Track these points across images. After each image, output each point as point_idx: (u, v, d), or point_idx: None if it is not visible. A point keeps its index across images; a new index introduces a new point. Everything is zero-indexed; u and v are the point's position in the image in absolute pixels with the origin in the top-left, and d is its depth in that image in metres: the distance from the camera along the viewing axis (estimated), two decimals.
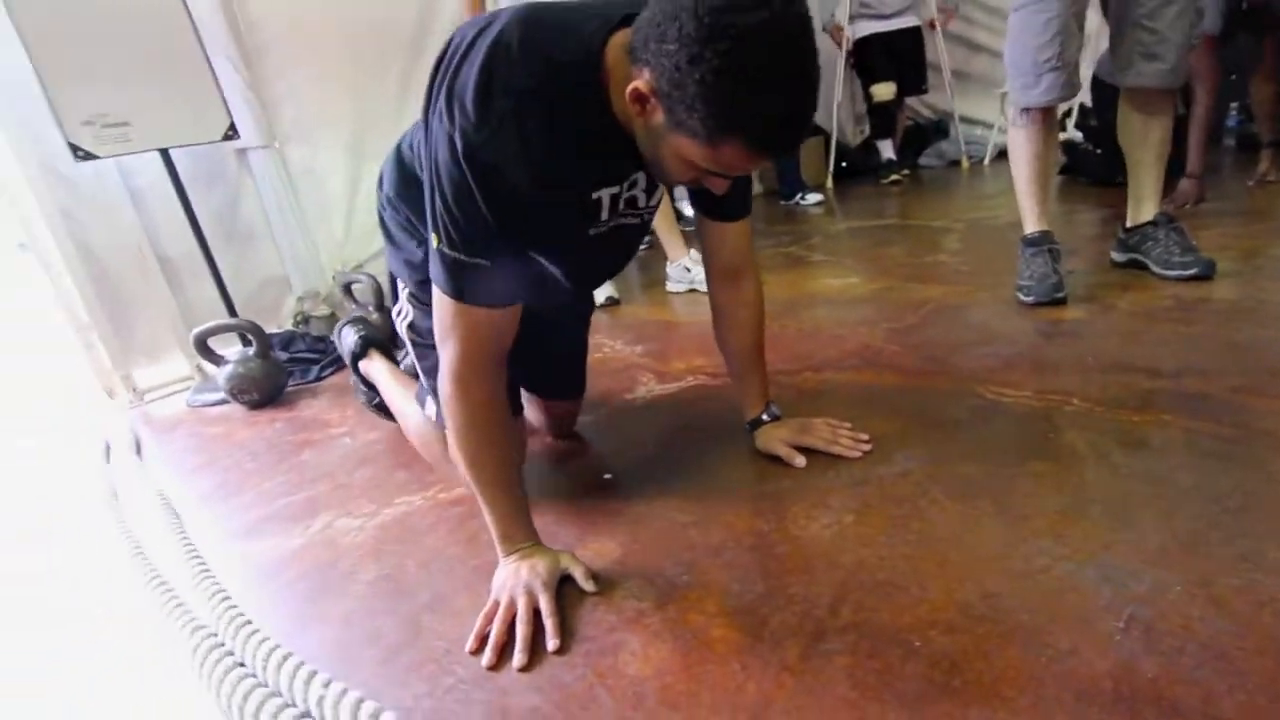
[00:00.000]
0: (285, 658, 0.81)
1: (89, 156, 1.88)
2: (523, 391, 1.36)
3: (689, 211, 3.84)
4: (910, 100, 4.29)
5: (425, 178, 0.83)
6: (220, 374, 1.98)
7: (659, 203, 1.03)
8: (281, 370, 2.04)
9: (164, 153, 2.01)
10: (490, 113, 0.73)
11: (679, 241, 2.36)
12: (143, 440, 1.90)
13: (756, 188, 3.48)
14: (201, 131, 2.06)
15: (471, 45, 0.75)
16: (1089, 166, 3.00)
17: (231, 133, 2.11)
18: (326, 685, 0.75)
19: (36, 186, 2.05)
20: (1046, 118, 1.63)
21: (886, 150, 4.08)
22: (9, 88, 1.96)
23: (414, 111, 2.93)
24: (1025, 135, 1.65)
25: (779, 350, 1.53)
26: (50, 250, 2.18)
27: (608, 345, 1.88)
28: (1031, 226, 1.68)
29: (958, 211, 2.88)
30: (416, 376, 1.29)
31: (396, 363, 1.52)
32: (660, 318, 2.14)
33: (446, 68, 0.77)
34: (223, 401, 2.06)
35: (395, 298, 1.20)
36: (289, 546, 1.15)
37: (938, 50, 4.09)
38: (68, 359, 2.43)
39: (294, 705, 0.74)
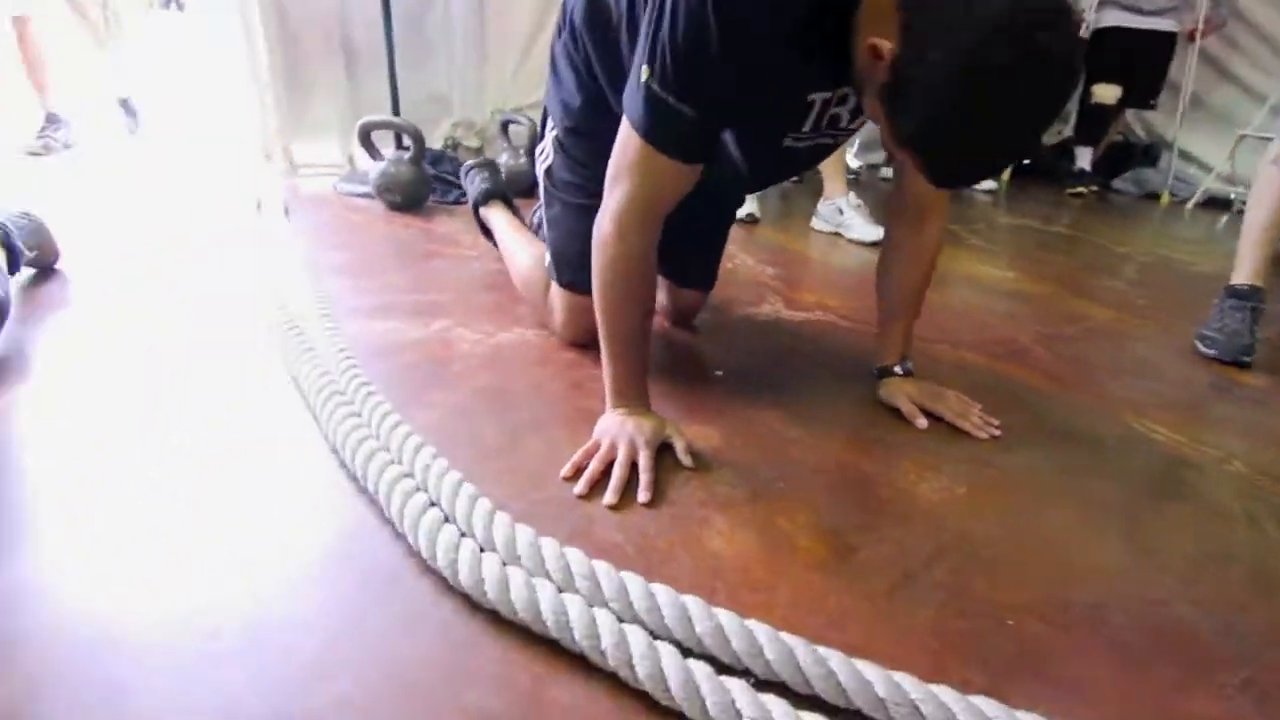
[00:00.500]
0: (398, 423, 0.86)
1: None
2: None
3: (853, 163, 3.64)
4: (1130, 113, 3.84)
5: (651, 8, 0.78)
6: (373, 169, 2.05)
7: (858, 129, 0.99)
8: (427, 182, 2.10)
9: None
10: None
11: (842, 181, 2.25)
12: (290, 208, 2.00)
13: None
14: None
15: None
16: None
17: None
18: (434, 458, 0.79)
19: None
20: None
21: (1083, 159, 3.70)
22: None
23: None
24: None
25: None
26: (251, 8, 2.27)
27: (739, 258, 1.83)
28: (1244, 278, 1.50)
29: (1145, 243, 2.62)
30: (538, 229, 1.30)
31: (515, 212, 1.55)
32: (797, 249, 2.07)
33: None
34: (366, 195, 2.14)
35: (541, 136, 1.18)
36: (409, 335, 1.21)
37: (1184, 67, 3.61)
38: (235, 116, 2.58)
39: (399, 464, 0.79)
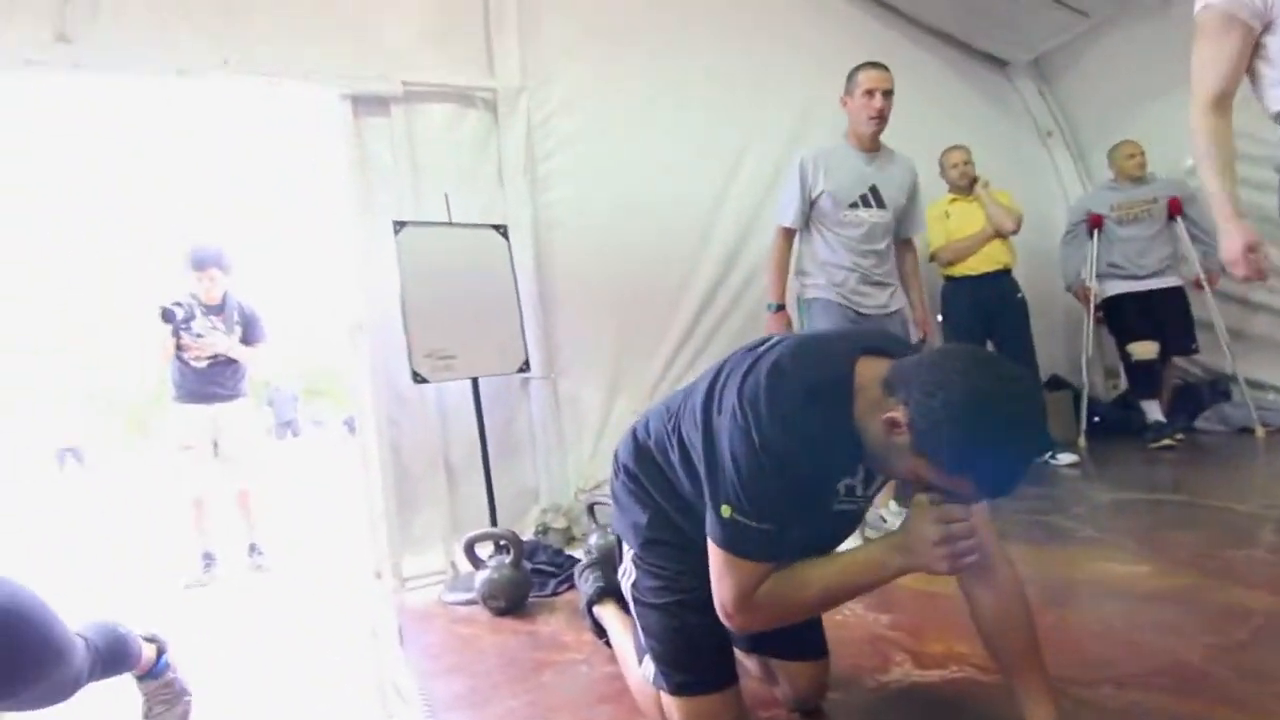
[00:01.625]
0: None
1: (423, 381, 2.35)
2: (758, 660, 1.36)
3: None
4: (1179, 360, 3.91)
5: (718, 462, 1.04)
6: (477, 577, 2.18)
7: (876, 491, 1.18)
8: (528, 582, 2.19)
9: (474, 381, 2.45)
10: (778, 414, 0.97)
11: (886, 494, 2.31)
12: (403, 629, 2.09)
13: None
14: (504, 364, 2.51)
15: (753, 366, 1.03)
16: None
17: (524, 366, 2.53)
18: None
19: (378, 397, 2.59)
20: None
21: (1153, 411, 3.65)
22: (376, 322, 2.58)
23: (658, 361, 3.33)
24: None
25: (1063, 650, 1.34)
26: (371, 449, 2.67)
27: (847, 609, 1.77)
28: None
29: (1266, 492, 2.46)
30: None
31: (628, 610, 1.59)
32: (902, 583, 2.00)
33: (727, 380, 1.06)
34: (471, 602, 2.23)
35: (620, 559, 1.31)
36: None
37: (1209, 308, 3.76)
38: (347, 539, 2.85)
39: None
